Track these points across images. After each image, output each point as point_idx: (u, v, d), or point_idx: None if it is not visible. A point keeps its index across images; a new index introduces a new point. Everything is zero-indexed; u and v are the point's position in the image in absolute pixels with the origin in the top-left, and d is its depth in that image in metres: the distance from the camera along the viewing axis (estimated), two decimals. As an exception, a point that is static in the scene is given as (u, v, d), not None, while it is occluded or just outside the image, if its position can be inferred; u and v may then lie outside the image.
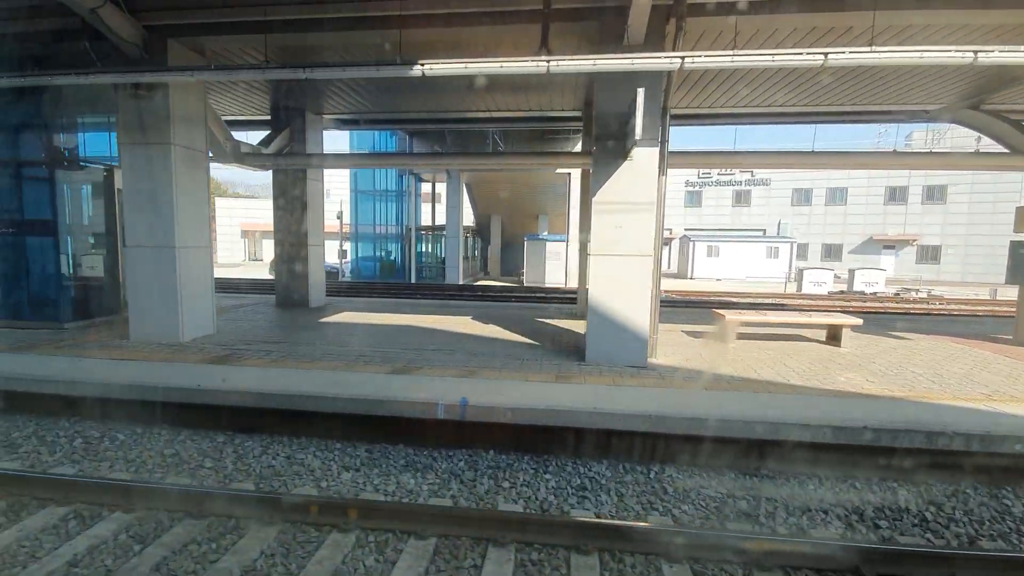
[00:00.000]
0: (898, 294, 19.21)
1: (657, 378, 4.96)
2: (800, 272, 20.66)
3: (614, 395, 4.38)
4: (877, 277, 20.17)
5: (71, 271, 7.14)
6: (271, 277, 18.95)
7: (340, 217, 22.87)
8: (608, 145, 5.26)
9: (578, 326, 7.87)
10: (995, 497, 3.39)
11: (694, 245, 29.57)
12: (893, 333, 7.51)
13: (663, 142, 5.30)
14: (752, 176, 33.87)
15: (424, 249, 24.66)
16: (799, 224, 33.30)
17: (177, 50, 5.84)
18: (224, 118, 8.37)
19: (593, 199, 5.33)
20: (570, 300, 12.24)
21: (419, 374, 4.98)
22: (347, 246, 22.89)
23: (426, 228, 25.10)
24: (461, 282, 21.59)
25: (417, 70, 4.67)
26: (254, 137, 9.38)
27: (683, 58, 4.40)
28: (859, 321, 6.40)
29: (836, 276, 22.19)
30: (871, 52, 4.27)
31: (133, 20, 5.47)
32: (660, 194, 5.34)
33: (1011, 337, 7.20)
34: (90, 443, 4.15)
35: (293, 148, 8.70)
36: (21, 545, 2.72)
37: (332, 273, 19.63)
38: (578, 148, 18.50)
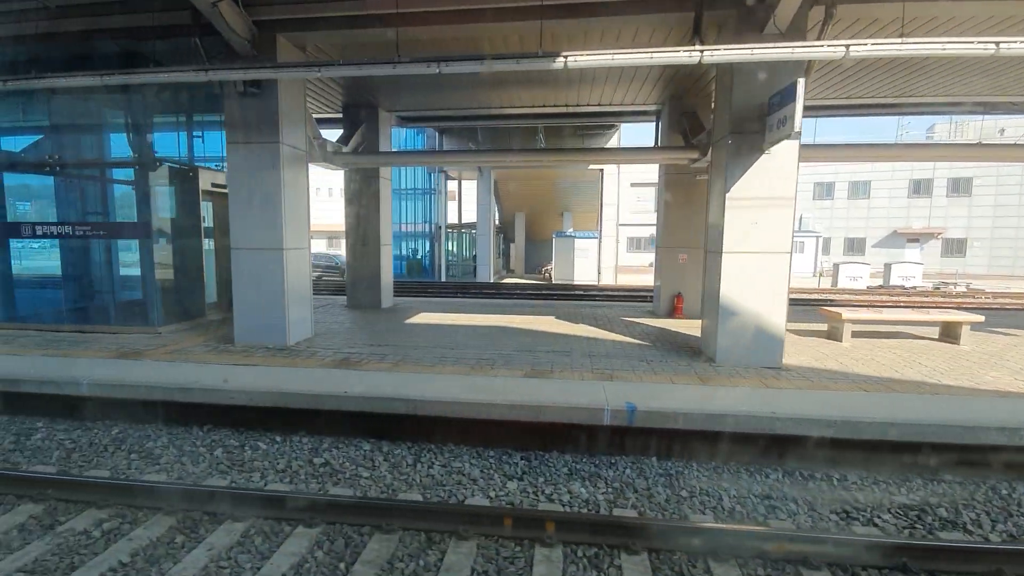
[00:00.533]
0: (937, 287, 19.00)
1: (804, 380, 4.79)
2: (836, 267, 20.41)
3: (778, 398, 4.21)
4: (914, 271, 19.92)
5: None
6: (326, 276, 18.87)
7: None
8: (745, 139, 5.08)
9: (671, 324, 7.71)
10: None
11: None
12: (997, 330, 7.32)
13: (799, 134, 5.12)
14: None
15: (450, 247, 24.49)
16: (821, 218, 32.99)
17: (285, 46, 5.67)
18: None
19: (727, 195, 5.15)
20: (629, 298, 12.09)
21: (554, 377, 4.82)
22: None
23: (453, 226, 24.90)
24: (492, 280, 21.41)
25: (559, 62, 4.50)
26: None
27: (847, 46, 4.21)
28: (981, 318, 6.22)
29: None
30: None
31: (245, 15, 5.29)
32: (795, 189, 5.17)
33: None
34: (231, 452, 4.01)
35: (367, 146, 8.52)
36: (220, 566, 2.60)
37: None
38: (613, 143, 18.36)
